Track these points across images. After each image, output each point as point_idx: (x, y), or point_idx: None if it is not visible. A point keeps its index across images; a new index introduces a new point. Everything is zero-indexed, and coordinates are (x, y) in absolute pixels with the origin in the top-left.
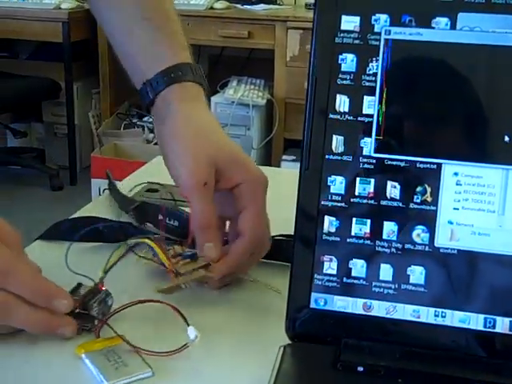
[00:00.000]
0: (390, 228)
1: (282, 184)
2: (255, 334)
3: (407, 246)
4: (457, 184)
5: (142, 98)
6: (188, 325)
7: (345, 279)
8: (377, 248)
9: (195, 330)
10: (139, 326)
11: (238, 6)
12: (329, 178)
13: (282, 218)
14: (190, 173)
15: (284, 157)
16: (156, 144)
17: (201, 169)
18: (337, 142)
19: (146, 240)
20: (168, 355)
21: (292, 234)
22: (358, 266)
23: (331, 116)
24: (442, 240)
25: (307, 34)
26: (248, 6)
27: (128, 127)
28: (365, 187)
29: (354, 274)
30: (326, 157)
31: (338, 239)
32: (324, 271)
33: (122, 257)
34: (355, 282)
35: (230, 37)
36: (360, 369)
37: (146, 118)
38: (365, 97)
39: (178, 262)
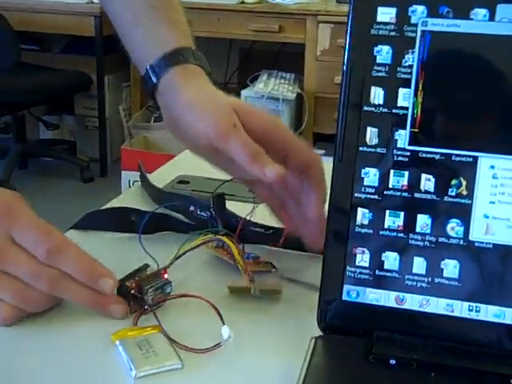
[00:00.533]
0: (423, 221)
1: None
2: (286, 326)
3: (441, 239)
4: (493, 177)
5: (146, 84)
6: (223, 323)
7: (377, 272)
8: (410, 241)
9: (229, 330)
10: (176, 318)
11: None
12: (362, 170)
13: None
14: (216, 119)
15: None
16: None
17: (225, 114)
18: (371, 134)
19: (223, 237)
20: (199, 352)
21: None
22: (391, 259)
23: (365, 108)
24: (477, 234)
25: (338, 27)
26: (279, 0)
27: (158, 120)
28: (399, 180)
29: (386, 266)
30: (360, 149)
31: (371, 231)
32: (356, 263)
33: (193, 248)
34: (388, 274)
35: (261, 31)
36: (392, 362)
37: None
38: (400, 89)
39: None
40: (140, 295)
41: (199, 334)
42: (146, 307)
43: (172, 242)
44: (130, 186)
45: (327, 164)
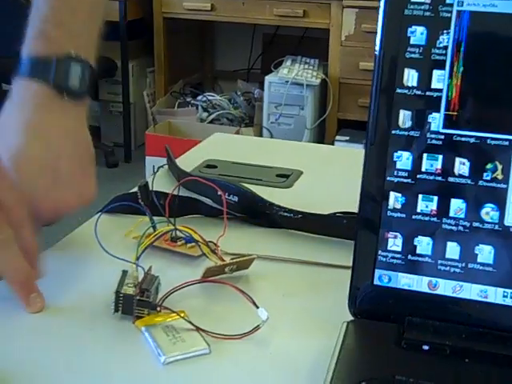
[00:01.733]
0: (457, 205)
1: (338, 162)
2: (317, 310)
3: (475, 224)
4: None
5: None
6: (257, 307)
7: (410, 256)
8: (443, 226)
9: (266, 311)
10: (199, 305)
11: None
12: (395, 154)
13: (339, 195)
14: None
15: (337, 137)
16: (210, 122)
17: None
18: (404, 117)
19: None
20: (240, 338)
21: (350, 211)
22: (424, 244)
23: (398, 91)
24: None
25: (363, 12)
26: None
27: (182, 106)
28: (432, 163)
29: (419, 251)
30: (393, 132)
31: (404, 216)
32: (388, 248)
33: (153, 242)
34: (420, 259)
35: (285, 16)
36: (425, 347)
37: (199, 97)
38: (434, 71)
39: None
40: (147, 299)
41: (225, 319)
42: (158, 305)
43: (198, 226)
44: (154, 172)
45: (351, 149)
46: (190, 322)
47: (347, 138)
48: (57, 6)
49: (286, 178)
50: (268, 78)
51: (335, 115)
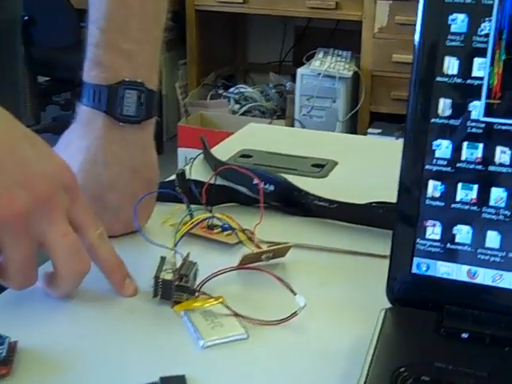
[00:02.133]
0: (498, 194)
1: (373, 152)
2: (354, 298)
3: None
4: None
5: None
6: (294, 294)
7: (449, 245)
8: (483, 214)
9: (303, 298)
10: (237, 291)
11: None
12: (434, 142)
13: (374, 185)
14: None
15: (370, 130)
16: (242, 115)
17: None
18: (444, 106)
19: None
20: (277, 324)
21: (385, 201)
22: (463, 232)
23: (438, 79)
24: None
25: (396, 4)
26: None
27: (214, 98)
28: (472, 152)
29: (458, 240)
30: (432, 120)
31: (443, 204)
32: (427, 236)
33: (191, 229)
34: (459, 248)
35: (317, 8)
36: (464, 335)
37: (231, 89)
38: (475, 59)
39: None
40: (185, 284)
41: (263, 305)
42: (197, 290)
43: (234, 214)
44: (186, 164)
45: (386, 140)
46: (228, 308)
47: (379, 130)
48: (111, 26)
49: (321, 167)
50: (300, 71)
51: (367, 108)
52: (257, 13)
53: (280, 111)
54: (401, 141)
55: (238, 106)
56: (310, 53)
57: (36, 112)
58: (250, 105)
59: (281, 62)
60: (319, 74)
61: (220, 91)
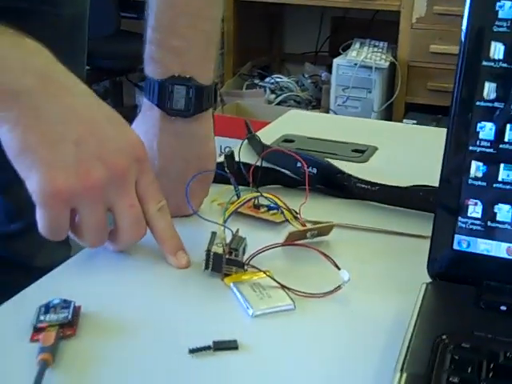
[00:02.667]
0: None
1: (412, 139)
2: (396, 274)
3: None
4: None
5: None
6: (339, 268)
7: (489, 223)
8: None
9: (348, 272)
10: (283, 266)
11: None
12: (478, 124)
13: (414, 170)
14: None
15: (405, 120)
16: (278, 104)
17: None
18: (489, 89)
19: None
20: (323, 296)
21: (426, 184)
22: (504, 211)
23: (484, 63)
24: None
25: None
26: None
27: (250, 87)
28: None
29: (498, 218)
30: (477, 103)
31: (485, 184)
32: (469, 214)
33: (238, 208)
34: (500, 226)
35: None
36: (503, 308)
37: (267, 79)
38: None
39: None
40: (235, 257)
41: (306, 279)
42: (246, 263)
43: (279, 195)
44: (221, 152)
45: (424, 127)
46: (276, 280)
47: (414, 121)
48: (161, 24)
49: (362, 153)
50: (336, 61)
51: (403, 98)
52: (294, 3)
53: (315, 101)
54: (439, 128)
55: (273, 96)
56: (346, 43)
57: None
58: (285, 95)
59: (317, 53)
60: (355, 64)
61: (256, 81)
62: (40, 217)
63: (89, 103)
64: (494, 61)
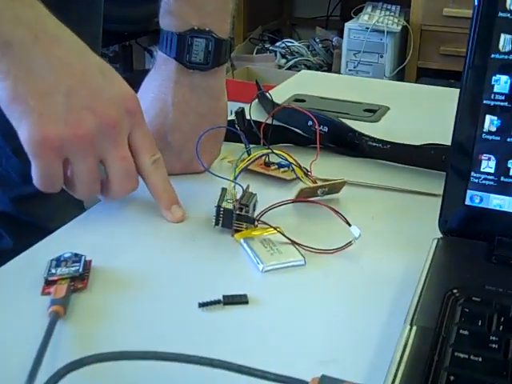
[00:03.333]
0: None
1: (424, 99)
2: (406, 231)
3: None
4: None
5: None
6: (349, 225)
7: (502, 178)
8: None
9: (358, 229)
10: (294, 222)
11: None
12: (493, 77)
13: (425, 129)
14: None
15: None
16: (288, 69)
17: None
18: (504, 41)
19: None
20: (333, 252)
21: (437, 143)
22: None
23: (500, 14)
24: None
25: None
26: None
27: (260, 52)
28: None
29: None
30: (492, 56)
31: (499, 138)
32: (482, 169)
33: (249, 164)
34: None
35: None
36: None
37: (278, 44)
38: None
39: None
40: (246, 213)
41: (317, 236)
42: (257, 219)
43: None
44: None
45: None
46: (286, 236)
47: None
48: None
49: (373, 112)
50: (348, 25)
51: (415, 63)
52: None
53: (326, 66)
54: (451, 89)
55: (284, 61)
56: (358, 7)
57: None
58: (296, 59)
59: (328, 17)
60: (367, 28)
61: (266, 45)
62: (33, 167)
63: (81, 56)
64: (510, 12)
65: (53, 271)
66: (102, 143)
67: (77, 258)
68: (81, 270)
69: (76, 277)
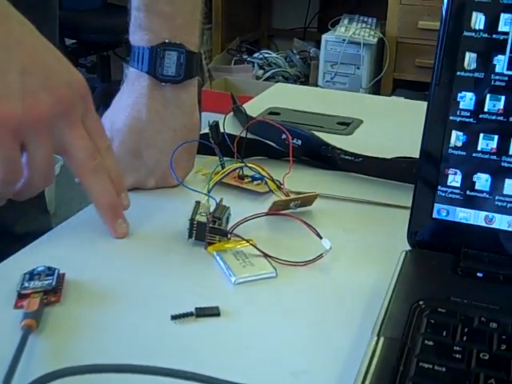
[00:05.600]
0: None
1: (397, 112)
2: (376, 243)
3: None
4: None
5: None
6: (321, 237)
7: (468, 192)
8: (502, 163)
9: (329, 241)
10: (266, 235)
11: None
12: (459, 94)
13: (398, 143)
14: None
15: (393, 97)
16: (266, 80)
17: None
18: (469, 59)
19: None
20: (305, 265)
21: (409, 156)
22: (482, 180)
23: (466, 33)
24: None
25: None
26: None
27: (238, 63)
28: (495, 104)
29: (477, 187)
30: (458, 73)
31: (464, 153)
32: (448, 183)
33: (222, 178)
34: (478, 195)
35: None
36: (479, 275)
37: (256, 55)
38: (502, 14)
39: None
40: (219, 226)
41: (289, 248)
42: (230, 232)
43: (265, 167)
44: (208, 124)
45: (410, 101)
46: (258, 249)
47: (402, 97)
48: None
49: (347, 125)
50: (325, 37)
51: (391, 75)
52: None
53: (303, 77)
54: (424, 102)
55: (261, 72)
56: (335, 19)
57: None
58: (273, 70)
59: (305, 28)
60: (344, 40)
61: (244, 56)
62: None
63: (29, 32)
64: (475, 31)
65: (26, 285)
66: (59, 125)
67: (50, 271)
68: (54, 283)
69: (49, 290)
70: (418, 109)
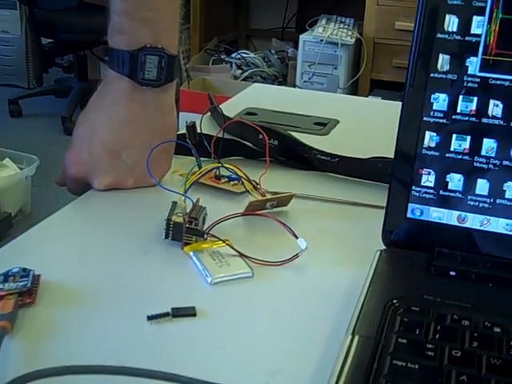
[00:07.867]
0: (489, 145)
1: (374, 113)
2: (352, 243)
3: (505, 162)
4: None
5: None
6: (297, 237)
7: (441, 192)
8: (475, 163)
9: (305, 241)
10: (243, 235)
11: None
12: (432, 96)
13: (374, 143)
14: None
15: (370, 97)
16: (244, 80)
17: None
18: (443, 61)
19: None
20: (281, 264)
21: (385, 156)
22: (455, 180)
23: (439, 35)
24: None
25: None
26: None
27: (216, 63)
28: (467, 105)
29: (450, 187)
30: (431, 75)
31: (438, 154)
32: (422, 183)
33: (199, 178)
34: (451, 194)
35: None
36: (452, 273)
37: (234, 55)
38: (474, 17)
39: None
40: (195, 226)
41: (265, 248)
42: (206, 232)
43: (240, 167)
44: (186, 124)
45: (387, 102)
46: (235, 249)
47: (380, 98)
48: None
49: (323, 126)
50: (303, 37)
51: (368, 75)
52: None
53: (281, 77)
54: (399, 103)
55: (239, 72)
56: (312, 19)
57: (39, 74)
58: (251, 70)
59: (283, 29)
60: (321, 40)
61: (222, 56)
62: None
63: None
64: (449, 33)
65: (0, 286)
66: None
67: (25, 272)
68: (29, 284)
69: (24, 292)
70: (394, 109)
